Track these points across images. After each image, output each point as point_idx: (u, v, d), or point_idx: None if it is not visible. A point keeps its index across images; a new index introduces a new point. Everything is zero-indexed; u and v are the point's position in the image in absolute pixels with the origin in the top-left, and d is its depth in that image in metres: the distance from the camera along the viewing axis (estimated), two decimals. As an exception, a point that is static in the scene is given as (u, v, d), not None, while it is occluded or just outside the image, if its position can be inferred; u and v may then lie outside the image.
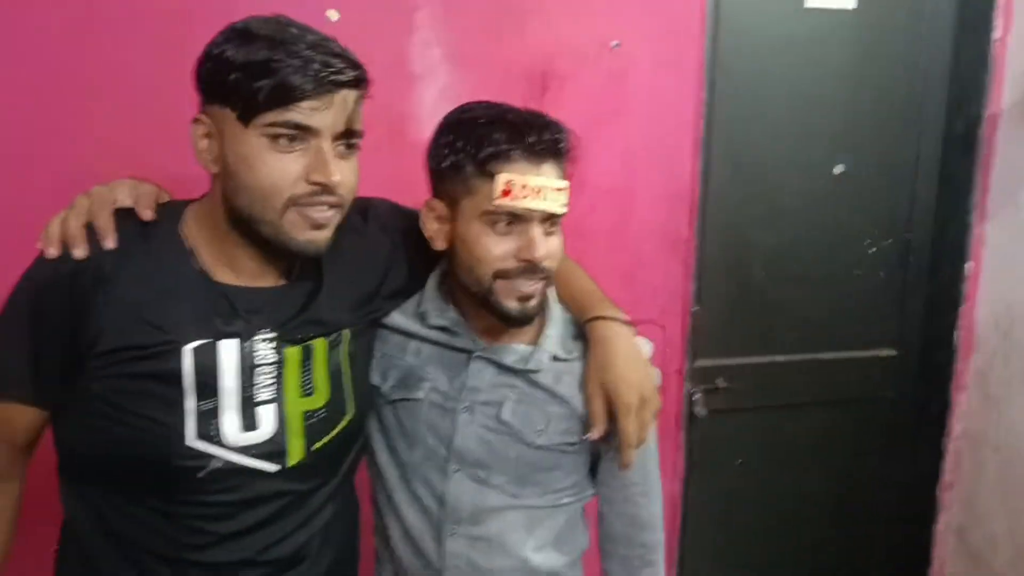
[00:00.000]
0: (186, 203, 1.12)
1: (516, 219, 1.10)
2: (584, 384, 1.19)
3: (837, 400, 2.34)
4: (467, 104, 1.19)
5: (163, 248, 1.07)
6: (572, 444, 1.21)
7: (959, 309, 2.26)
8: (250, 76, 0.96)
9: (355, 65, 1.02)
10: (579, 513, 1.29)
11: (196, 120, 1.04)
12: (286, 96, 0.97)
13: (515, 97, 1.77)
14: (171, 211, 1.10)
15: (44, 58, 1.52)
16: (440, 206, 1.15)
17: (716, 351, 2.18)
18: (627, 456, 1.16)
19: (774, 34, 2.08)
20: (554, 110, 1.79)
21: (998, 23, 2.12)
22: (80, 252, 1.02)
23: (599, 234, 1.91)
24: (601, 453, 1.23)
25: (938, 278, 2.31)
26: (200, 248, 1.08)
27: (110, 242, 1.03)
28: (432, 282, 1.24)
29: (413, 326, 1.23)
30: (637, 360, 1.19)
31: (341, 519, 1.21)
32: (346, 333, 1.17)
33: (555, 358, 1.20)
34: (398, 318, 1.24)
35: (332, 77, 0.98)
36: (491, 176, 1.08)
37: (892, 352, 2.35)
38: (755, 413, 2.26)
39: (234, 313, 1.07)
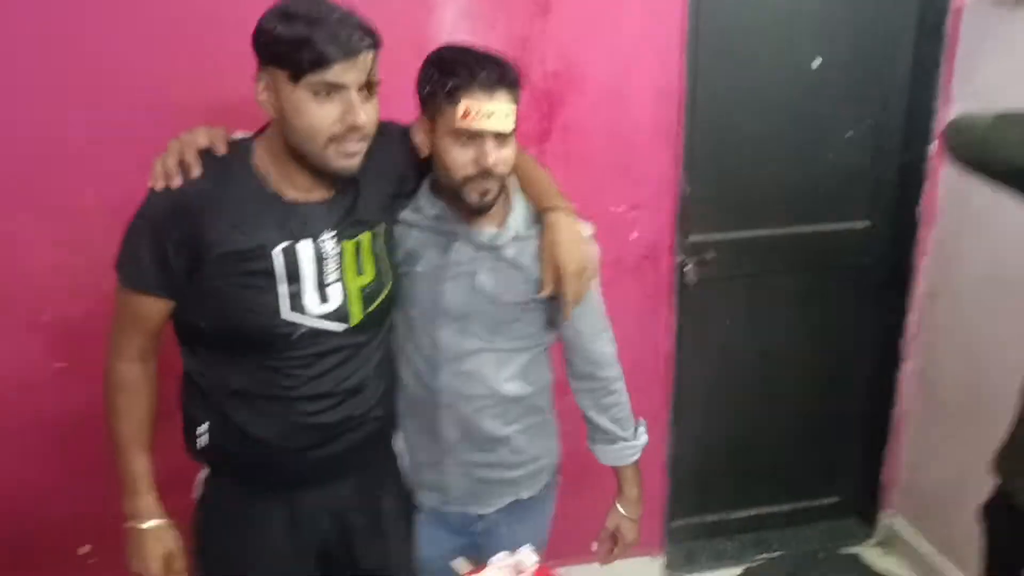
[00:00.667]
0: (251, 139, 1.47)
1: (474, 135, 1.44)
2: (538, 257, 1.56)
3: (816, 266, 2.69)
4: (443, 45, 1.52)
5: (244, 176, 1.43)
6: (528, 302, 1.59)
7: (923, 185, 2.57)
8: (295, 48, 1.30)
9: (371, 33, 1.35)
10: (542, 354, 1.69)
11: (257, 77, 1.37)
12: (322, 63, 1.30)
13: (521, 13, 2.10)
14: (243, 146, 1.45)
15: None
16: (425, 123, 1.50)
17: (706, 227, 2.52)
18: (567, 310, 1.56)
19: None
20: (556, 23, 2.11)
21: (962, -79, 2.33)
22: (177, 182, 1.38)
23: (599, 129, 2.24)
24: (554, 311, 1.62)
25: (906, 158, 2.60)
26: (269, 173, 1.44)
27: (196, 171, 1.39)
28: (425, 183, 1.60)
29: (412, 217, 1.60)
30: (577, 240, 1.56)
31: (386, 362, 1.62)
32: (381, 227, 1.56)
33: (516, 237, 1.57)
34: (402, 213, 1.61)
35: (355, 45, 1.31)
36: (455, 103, 1.42)
37: (866, 223, 2.67)
38: (742, 280, 2.62)
39: (303, 222, 1.44)
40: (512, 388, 1.64)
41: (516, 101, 1.46)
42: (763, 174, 2.54)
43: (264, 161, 1.44)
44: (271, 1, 1.35)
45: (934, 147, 2.52)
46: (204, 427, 1.53)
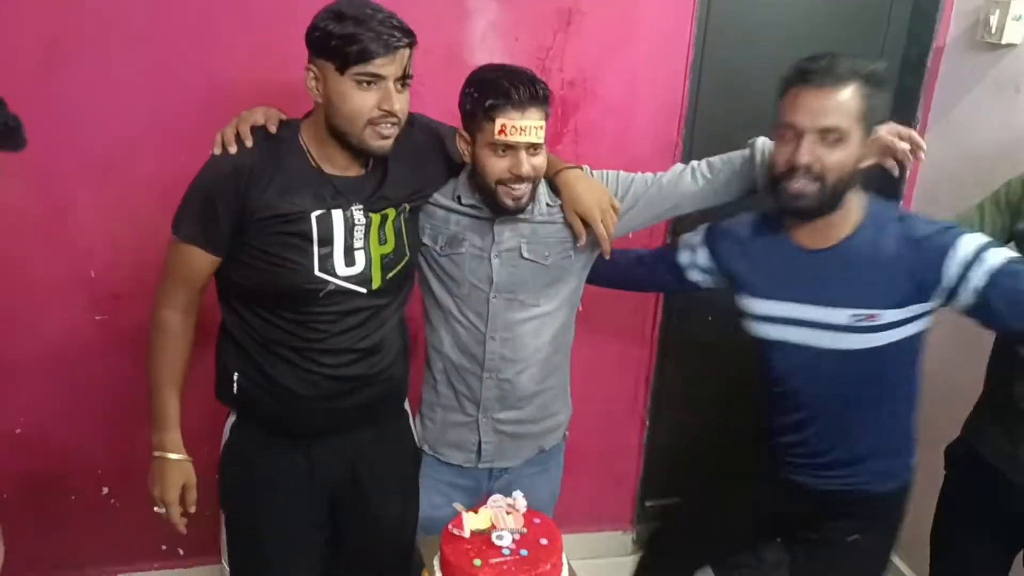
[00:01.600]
0: (299, 121, 1.67)
1: (509, 147, 1.65)
2: (564, 214, 1.80)
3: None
4: (482, 66, 1.72)
5: (291, 151, 1.64)
6: (569, 256, 1.83)
7: (899, 203, 2.78)
8: (344, 43, 1.50)
9: (409, 33, 1.55)
10: (572, 315, 1.92)
11: (308, 68, 1.57)
12: (367, 57, 1.50)
13: (546, 28, 2.29)
14: (291, 126, 1.66)
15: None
16: (466, 135, 1.72)
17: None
18: (606, 247, 1.81)
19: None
20: (576, 39, 2.30)
21: (949, -29, 2.55)
22: (233, 149, 1.59)
23: (606, 137, 2.45)
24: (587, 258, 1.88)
25: (885, 182, 2.80)
26: (312, 150, 1.65)
27: (248, 142, 1.60)
28: (463, 175, 1.80)
29: (452, 204, 1.81)
30: (592, 188, 1.80)
31: (401, 327, 1.82)
32: (404, 207, 1.76)
33: (548, 205, 1.80)
34: (441, 199, 1.82)
35: (395, 43, 1.52)
36: (492, 120, 1.62)
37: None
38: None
39: (338, 193, 1.65)
40: (549, 350, 1.87)
41: (546, 116, 1.68)
42: (759, 198, 2.73)
43: (309, 140, 1.65)
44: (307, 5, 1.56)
45: (908, 173, 2.74)
46: (236, 376, 1.72)
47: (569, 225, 1.80)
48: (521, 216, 1.77)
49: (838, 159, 1.58)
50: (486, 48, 2.25)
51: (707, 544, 2.05)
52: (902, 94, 2.73)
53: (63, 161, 2.11)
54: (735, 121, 2.63)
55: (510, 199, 1.70)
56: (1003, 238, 1.88)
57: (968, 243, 1.58)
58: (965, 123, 2.56)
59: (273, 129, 1.64)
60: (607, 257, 1.84)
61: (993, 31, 2.35)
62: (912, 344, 1.71)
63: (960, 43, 2.57)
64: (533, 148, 1.68)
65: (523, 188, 1.70)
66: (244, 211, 1.59)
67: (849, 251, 1.67)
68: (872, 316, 1.63)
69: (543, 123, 1.66)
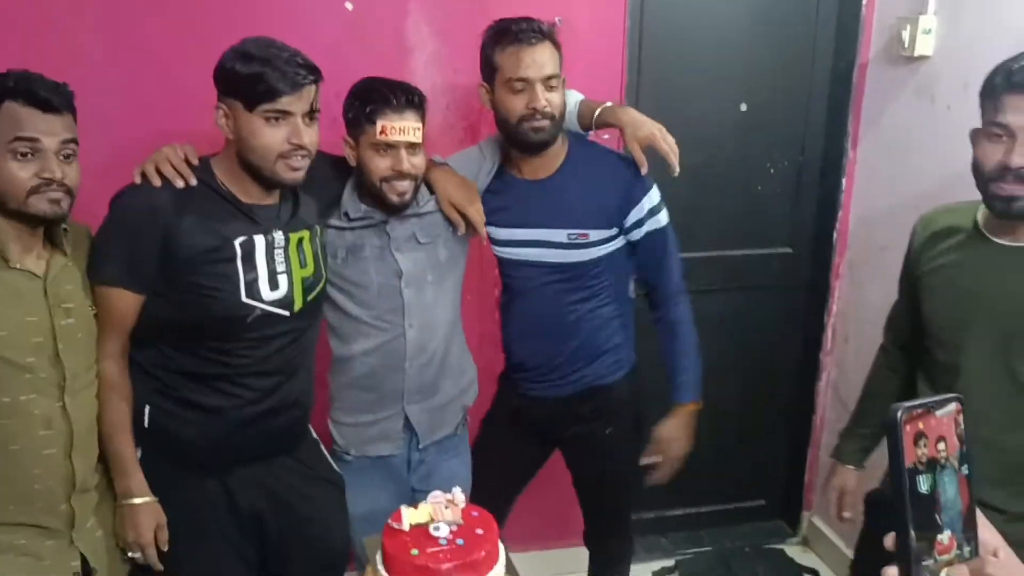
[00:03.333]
0: (211, 157, 1.74)
1: (390, 147, 1.79)
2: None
3: (744, 287, 3.02)
4: (363, 79, 1.86)
5: (207, 186, 1.71)
6: (452, 239, 1.98)
7: (837, 214, 2.91)
8: (251, 82, 1.60)
9: (314, 70, 1.65)
10: (459, 285, 2.07)
11: (217, 107, 1.65)
12: (274, 95, 1.60)
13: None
14: (203, 163, 1.73)
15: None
16: (350, 140, 1.85)
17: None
18: (481, 231, 1.97)
19: (691, 2, 2.68)
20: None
21: (867, -10, 2.71)
22: (157, 182, 1.65)
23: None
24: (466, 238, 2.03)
25: (822, 192, 2.96)
26: (227, 183, 1.72)
27: (180, 182, 1.66)
28: (347, 193, 1.93)
29: (342, 223, 1.92)
30: (455, 181, 1.97)
31: (312, 352, 1.90)
32: (317, 228, 1.85)
33: (428, 200, 1.96)
34: (332, 221, 1.93)
35: (300, 81, 1.62)
36: (373, 122, 1.77)
37: (788, 250, 3.02)
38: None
39: (256, 221, 1.73)
40: (453, 317, 2.03)
41: (422, 120, 1.84)
42: (698, 203, 2.86)
43: (222, 174, 1.72)
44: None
45: (845, 182, 2.87)
46: (148, 409, 1.75)
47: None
48: (407, 212, 1.91)
49: None
50: (428, 79, 2.36)
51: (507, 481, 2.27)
52: (833, 106, 2.88)
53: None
54: (675, 138, 2.75)
55: (394, 195, 1.84)
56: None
57: (654, 196, 2.02)
58: (892, 131, 2.70)
59: (194, 163, 1.71)
60: (484, 242, 2.04)
61: (906, 45, 2.49)
62: (619, 255, 2.04)
63: (881, 57, 2.71)
64: (411, 148, 1.82)
65: (405, 185, 1.84)
66: (167, 249, 1.64)
67: (559, 183, 1.99)
68: (583, 234, 1.96)
69: (420, 125, 1.82)
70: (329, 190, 1.91)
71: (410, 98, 1.81)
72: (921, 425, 0.78)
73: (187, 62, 2.07)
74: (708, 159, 2.83)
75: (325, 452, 2.00)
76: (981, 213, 1.64)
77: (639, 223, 2.00)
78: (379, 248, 1.92)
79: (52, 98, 1.52)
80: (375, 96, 1.79)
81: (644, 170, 1.96)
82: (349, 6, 2.29)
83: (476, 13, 2.34)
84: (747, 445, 3.20)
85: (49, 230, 1.62)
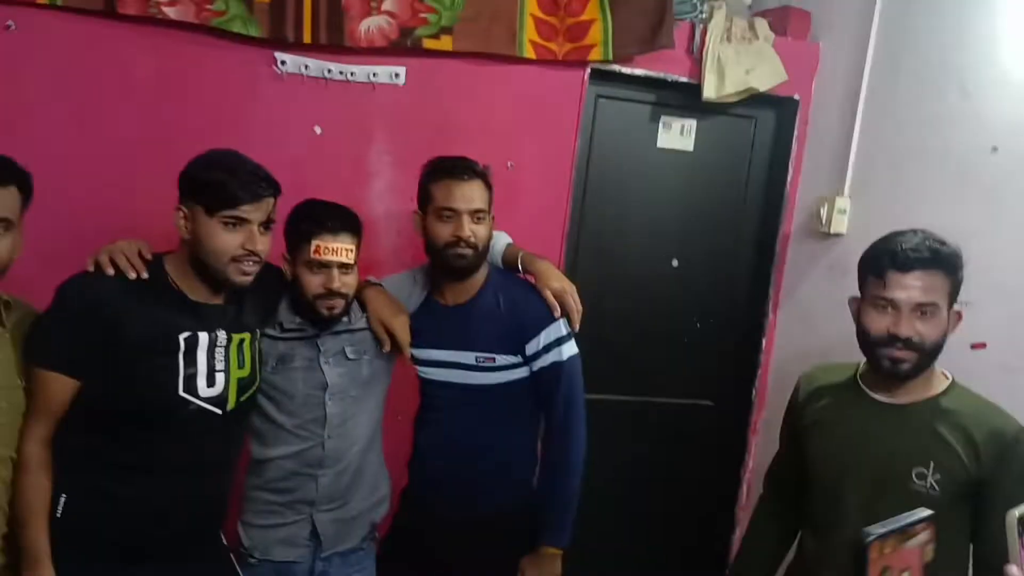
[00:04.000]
0: (163, 255, 1.79)
1: (323, 266, 1.89)
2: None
3: (666, 436, 3.12)
4: (305, 200, 1.97)
5: (156, 281, 1.76)
6: (379, 356, 2.06)
7: (757, 372, 3.07)
8: (215, 190, 1.69)
9: (273, 184, 1.76)
10: (382, 403, 2.12)
11: (178, 208, 1.73)
12: (234, 203, 1.69)
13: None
14: (156, 258, 1.78)
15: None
16: (288, 256, 1.95)
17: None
18: (406, 351, 2.05)
19: (632, 163, 2.91)
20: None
21: (791, 170, 2.98)
22: (111, 271, 1.69)
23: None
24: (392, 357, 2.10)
25: (744, 350, 3.13)
26: (177, 280, 1.79)
27: (132, 274, 1.70)
28: (283, 305, 2.01)
29: (276, 332, 1.99)
30: (383, 303, 2.06)
31: (236, 453, 1.94)
32: (257, 333, 1.92)
33: (359, 317, 2.05)
34: (267, 330, 1.99)
35: (260, 192, 1.72)
36: (308, 241, 1.88)
37: (709, 402, 3.15)
38: (601, 438, 3.01)
39: (203, 316, 1.79)
40: (372, 432, 2.07)
41: (357, 242, 1.94)
42: (625, 348, 3.01)
43: (173, 271, 1.78)
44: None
45: (765, 343, 3.05)
46: (64, 498, 1.71)
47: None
48: (339, 328, 2.00)
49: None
50: (382, 205, 2.50)
51: None
52: (756, 276, 3.10)
53: None
54: (608, 285, 2.94)
55: (325, 309, 1.93)
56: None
57: (556, 330, 2.06)
58: (807, 303, 2.91)
59: (147, 257, 1.77)
60: (408, 361, 2.11)
61: (823, 222, 2.74)
62: (523, 383, 2.09)
63: (801, 232, 2.96)
64: (344, 268, 1.92)
65: (336, 301, 1.93)
66: (110, 337, 1.67)
67: (473, 309, 2.08)
68: (490, 358, 2.05)
69: (353, 247, 1.92)
70: (271, 298, 1.99)
71: (345, 222, 1.92)
72: (888, 555, 0.79)
73: (154, 164, 2.16)
74: (639, 307, 3.00)
75: (234, 563, 1.99)
76: (862, 372, 1.81)
77: (538, 354, 2.06)
78: (308, 360, 1.98)
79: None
80: (312, 217, 1.91)
81: (556, 313, 2.05)
82: (318, 130, 2.45)
83: (436, 147, 2.51)
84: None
85: None
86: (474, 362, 2.06)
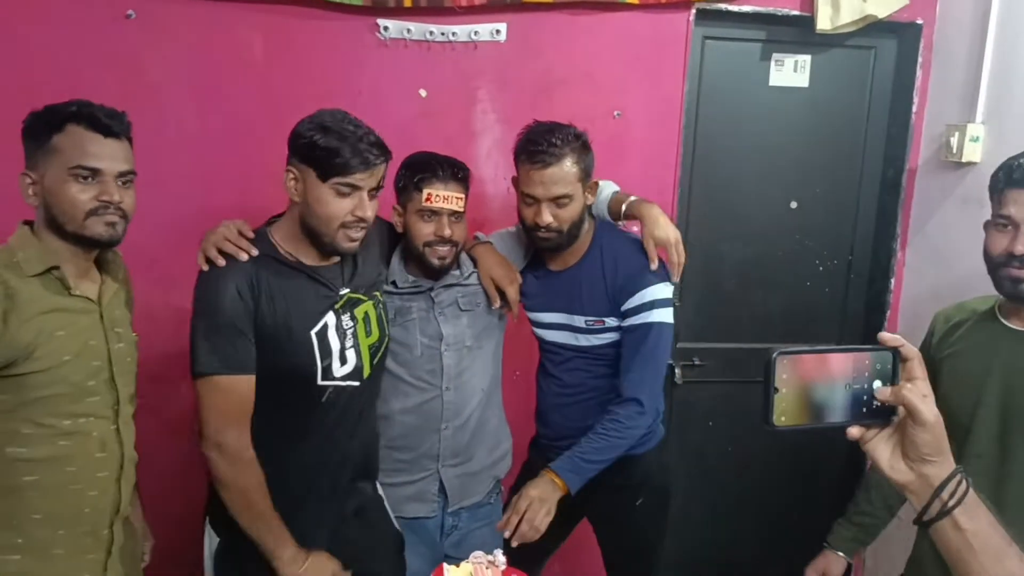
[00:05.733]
0: (267, 226, 1.81)
1: (434, 213, 1.92)
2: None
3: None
4: (415, 152, 1.99)
5: (273, 256, 1.76)
6: (490, 309, 2.08)
7: (886, 314, 2.95)
8: (328, 155, 1.68)
9: (385, 151, 1.75)
10: (500, 357, 2.18)
11: (288, 169, 1.73)
12: (347, 171, 1.69)
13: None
14: (261, 234, 1.79)
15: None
16: (399, 208, 1.99)
17: (693, 336, 2.91)
18: (514, 308, 2.10)
19: (744, 105, 2.82)
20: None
21: (916, 100, 2.81)
22: (222, 262, 1.69)
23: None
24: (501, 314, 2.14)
25: (871, 290, 3.00)
26: (288, 248, 1.77)
27: (243, 255, 1.71)
28: (395, 260, 2.05)
29: (391, 288, 2.02)
30: (498, 262, 2.10)
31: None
32: (377, 294, 1.94)
33: (472, 271, 2.08)
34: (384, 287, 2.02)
35: (373, 160, 1.71)
36: (420, 190, 1.91)
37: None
38: (721, 385, 2.99)
39: (324, 281, 1.79)
40: (490, 386, 2.11)
41: (465, 192, 1.97)
42: (746, 296, 2.95)
43: (282, 239, 1.79)
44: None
45: (893, 282, 2.92)
46: None
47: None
48: (451, 281, 2.04)
49: None
50: (491, 163, 2.52)
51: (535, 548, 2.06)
52: (882, 213, 2.95)
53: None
54: (724, 232, 2.88)
55: (436, 258, 1.96)
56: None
57: (655, 292, 2.00)
58: (939, 236, 2.76)
59: (250, 236, 1.78)
60: (515, 319, 2.13)
61: (955, 151, 2.58)
62: None
63: (930, 164, 2.80)
64: (454, 216, 1.95)
65: (446, 250, 1.96)
66: (256, 327, 1.71)
67: (580, 273, 2.09)
68: (599, 321, 2.06)
69: (463, 196, 1.95)
70: (384, 251, 2.05)
71: (455, 171, 1.95)
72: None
73: (269, 138, 2.19)
74: (758, 254, 2.92)
75: (387, 507, 2.06)
76: (1001, 302, 1.74)
77: (628, 313, 2.02)
78: (425, 311, 2.03)
79: (112, 124, 1.60)
80: (423, 167, 1.94)
81: (653, 265, 2.02)
82: (423, 93, 2.48)
83: (539, 103, 2.53)
84: (786, 546, 3.13)
85: (100, 255, 1.71)
86: (584, 325, 2.08)
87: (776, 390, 0.89)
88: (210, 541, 1.86)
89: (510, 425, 2.22)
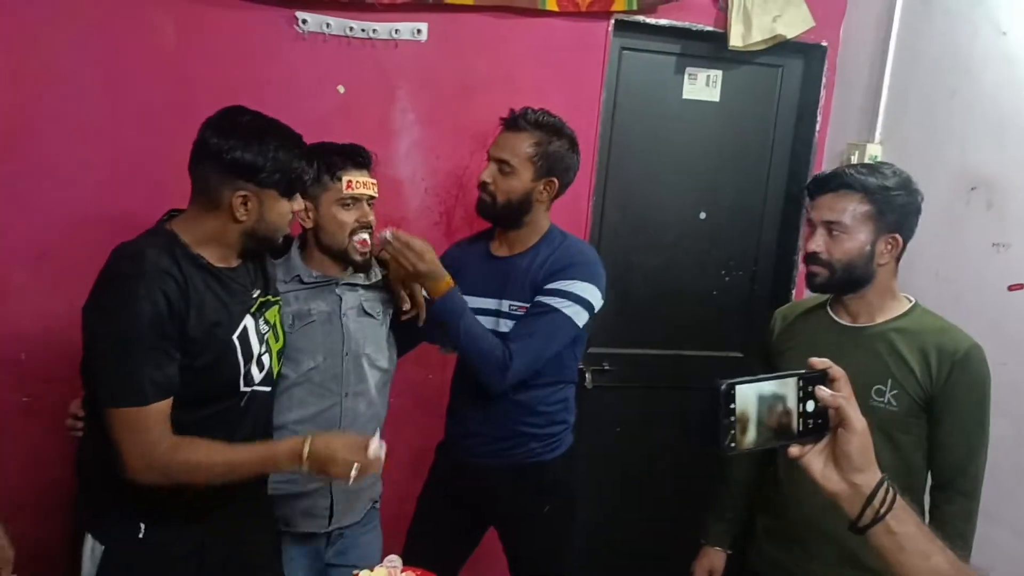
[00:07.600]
0: (171, 231, 1.66)
1: (356, 200, 1.92)
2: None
3: (692, 387, 3.10)
4: (312, 144, 1.84)
5: (184, 259, 1.64)
6: (393, 316, 2.08)
7: (786, 324, 3.05)
8: (286, 175, 1.67)
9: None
10: (391, 372, 2.12)
11: (238, 194, 1.62)
12: (303, 188, 1.77)
13: (463, 149, 2.55)
14: (165, 232, 1.67)
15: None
16: (308, 203, 1.88)
17: (604, 342, 2.95)
18: (422, 314, 2.05)
19: (657, 116, 2.88)
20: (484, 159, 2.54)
21: (819, 118, 2.93)
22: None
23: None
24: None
25: (773, 301, 3.10)
26: (199, 250, 1.66)
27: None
28: (295, 257, 1.98)
29: (292, 286, 1.96)
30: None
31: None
32: (278, 299, 1.87)
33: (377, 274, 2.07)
34: (280, 286, 1.92)
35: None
36: (340, 179, 1.90)
37: (739, 354, 3.14)
38: (629, 391, 3.04)
39: (237, 283, 1.72)
40: (383, 397, 2.08)
41: (374, 175, 1.99)
42: (656, 303, 3.01)
43: (194, 241, 1.66)
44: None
45: (794, 293, 3.03)
46: None
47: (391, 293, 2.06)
48: (355, 282, 2.01)
49: None
50: (409, 163, 2.50)
51: (444, 556, 2.12)
52: (785, 226, 3.07)
53: None
54: (636, 239, 2.93)
55: (358, 255, 1.94)
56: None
57: (573, 286, 2.01)
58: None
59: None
60: (421, 320, 2.06)
61: (854, 169, 2.70)
62: None
63: (831, 180, 2.91)
64: (372, 201, 1.97)
65: (368, 238, 1.94)
66: (183, 337, 1.58)
67: (521, 261, 2.09)
68: (523, 307, 2.04)
69: (376, 181, 1.98)
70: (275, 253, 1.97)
71: (364, 158, 1.96)
72: None
73: (177, 128, 2.11)
74: (667, 262, 2.99)
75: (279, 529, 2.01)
76: (831, 298, 1.94)
77: (550, 291, 2.01)
78: (327, 314, 1.97)
79: None
80: (337, 156, 1.91)
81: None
82: (341, 89, 2.44)
83: (459, 104, 2.52)
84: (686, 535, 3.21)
85: None
86: (507, 310, 2.06)
87: (729, 418, 0.94)
88: (92, 550, 1.69)
89: (422, 429, 2.20)
